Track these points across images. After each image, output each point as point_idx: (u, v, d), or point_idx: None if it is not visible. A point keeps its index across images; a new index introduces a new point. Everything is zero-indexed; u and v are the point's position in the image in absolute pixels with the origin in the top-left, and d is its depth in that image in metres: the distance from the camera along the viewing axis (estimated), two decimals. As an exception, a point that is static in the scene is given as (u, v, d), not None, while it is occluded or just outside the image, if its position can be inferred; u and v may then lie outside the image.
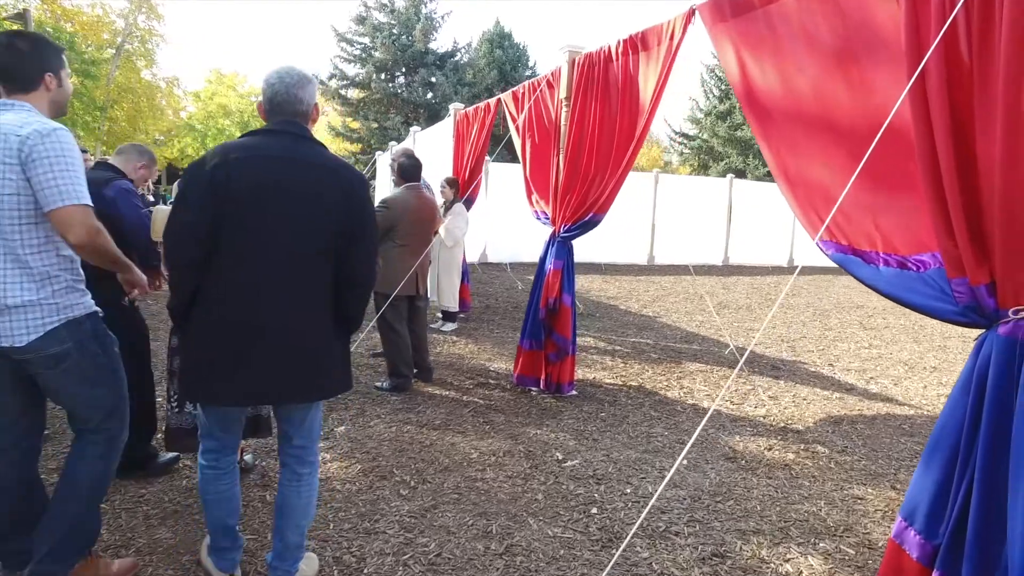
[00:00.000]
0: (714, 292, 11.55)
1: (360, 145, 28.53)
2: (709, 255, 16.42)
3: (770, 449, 4.13)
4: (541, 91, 5.38)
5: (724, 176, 17.45)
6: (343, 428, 4.20)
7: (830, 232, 2.61)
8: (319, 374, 2.29)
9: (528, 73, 29.69)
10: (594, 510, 3.23)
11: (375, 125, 28.05)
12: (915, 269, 2.32)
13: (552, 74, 5.17)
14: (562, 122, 4.83)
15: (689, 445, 2.95)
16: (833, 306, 10.61)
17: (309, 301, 2.23)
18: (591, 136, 4.47)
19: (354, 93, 29.31)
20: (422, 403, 4.76)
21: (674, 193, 15.68)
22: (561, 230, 4.80)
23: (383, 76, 28.67)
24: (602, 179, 4.39)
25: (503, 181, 14.60)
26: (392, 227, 4.91)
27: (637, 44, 4.06)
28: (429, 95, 28.48)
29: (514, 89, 6.06)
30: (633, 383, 5.47)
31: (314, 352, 2.26)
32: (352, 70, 28.86)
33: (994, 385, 1.88)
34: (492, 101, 6.77)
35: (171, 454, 3.49)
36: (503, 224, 14.40)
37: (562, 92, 4.85)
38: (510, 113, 6.10)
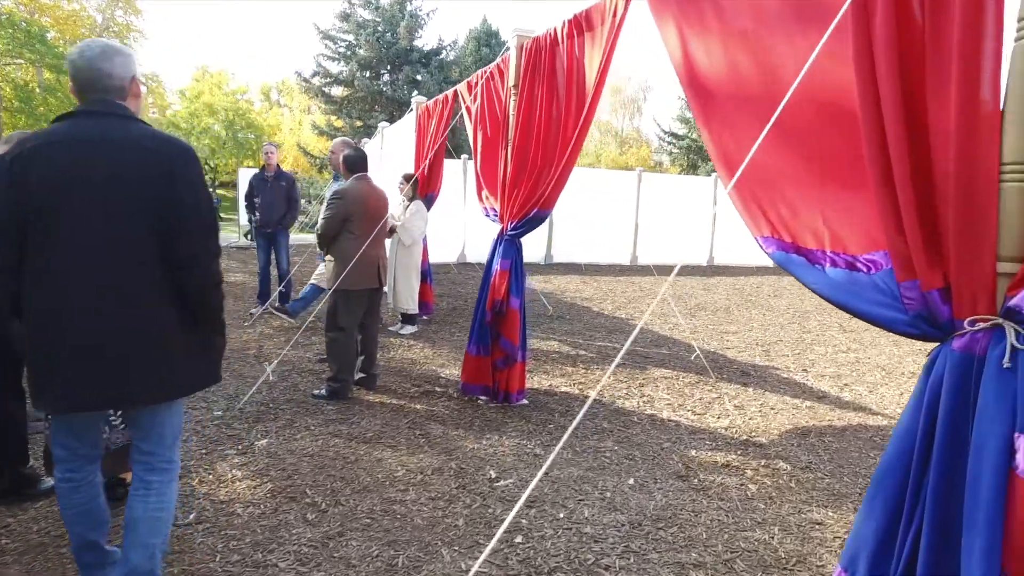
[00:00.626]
0: (694, 293, 11.23)
1: (344, 143, 28.10)
2: (693, 255, 16.13)
3: (727, 466, 3.79)
4: (492, 80, 5.04)
5: (711, 176, 17.14)
6: (265, 442, 3.85)
7: (773, 228, 2.28)
8: (154, 370, 2.01)
9: (515, 71, 29.26)
10: (518, 539, 2.89)
11: (359, 123, 27.61)
12: (865, 271, 1.99)
13: (503, 60, 4.83)
14: (510, 112, 4.49)
15: (564, 439, 2.62)
16: (814, 307, 10.29)
17: (135, 289, 1.98)
18: (538, 126, 4.14)
19: (338, 91, 28.87)
20: (358, 413, 4.41)
21: (658, 192, 15.38)
22: (508, 227, 4.46)
23: (367, 74, 28.23)
24: (549, 172, 4.05)
25: (482, 179, 14.26)
26: (347, 218, 4.59)
27: (582, 24, 3.72)
28: (415, 93, 28.10)
29: (469, 79, 5.72)
30: (590, 392, 5.13)
31: (144, 344, 1.99)
32: (336, 68, 28.39)
33: (948, 408, 1.55)
34: (450, 92, 6.43)
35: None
36: (482, 224, 14.04)
37: (511, 80, 4.51)
38: (465, 104, 5.76)
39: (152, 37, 57.98)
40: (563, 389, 5.16)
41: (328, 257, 4.79)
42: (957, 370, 1.54)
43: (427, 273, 7.73)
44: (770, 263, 16.51)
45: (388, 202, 4.96)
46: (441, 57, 28.87)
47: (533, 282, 11.21)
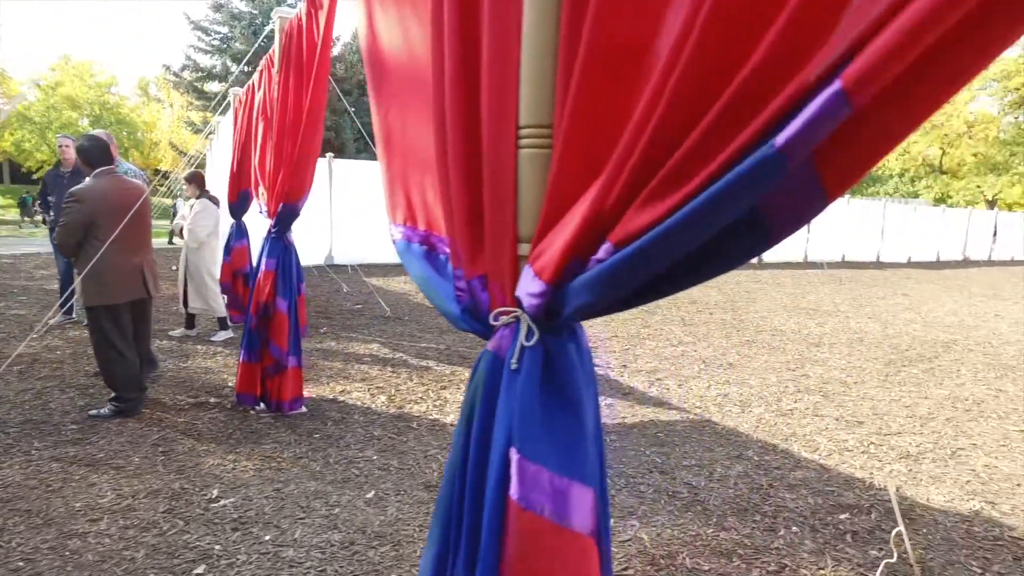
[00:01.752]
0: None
1: (221, 142, 26.83)
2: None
3: (487, 471, 3.60)
4: (271, 67, 4.69)
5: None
6: (-39, 471, 3.36)
7: (410, 215, 2.06)
8: None
9: (402, 69, 28.68)
10: (199, 569, 2.57)
11: (236, 120, 26.45)
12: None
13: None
14: (276, 100, 4.16)
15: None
16: (669, 301, 10.44)
17: None
18: (290, 112, 3.83)
19: (212, 86, 27.51)
20: (104, 432, 3.97)
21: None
22: (272, 224, 4.13)
23: (245, 69, 27.06)
24: (294, 162, 3.75)
25: (348, 179, 13.75)
26: (92, 223, 4.06)
27: (316, 2, 3.45)
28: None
29: (261, 66, 5.34)
30: (382, 396, 4.86)
31: None
32: (208, 61, 27.01)
33: (480, 422, 1.35)
34: (252, 81, 6.01)
35: None
36: (350, 225, 13.57)
37: (276, 65, 4.19)
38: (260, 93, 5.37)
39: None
40: (355, 395, 4.86)
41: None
42: (489, 375, 1.34)
43: (249, 276, 7.25)
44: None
45: (141, 196, 4.39)
46: (323, 53, 27.97)
47: (376, 281, 10.89)
